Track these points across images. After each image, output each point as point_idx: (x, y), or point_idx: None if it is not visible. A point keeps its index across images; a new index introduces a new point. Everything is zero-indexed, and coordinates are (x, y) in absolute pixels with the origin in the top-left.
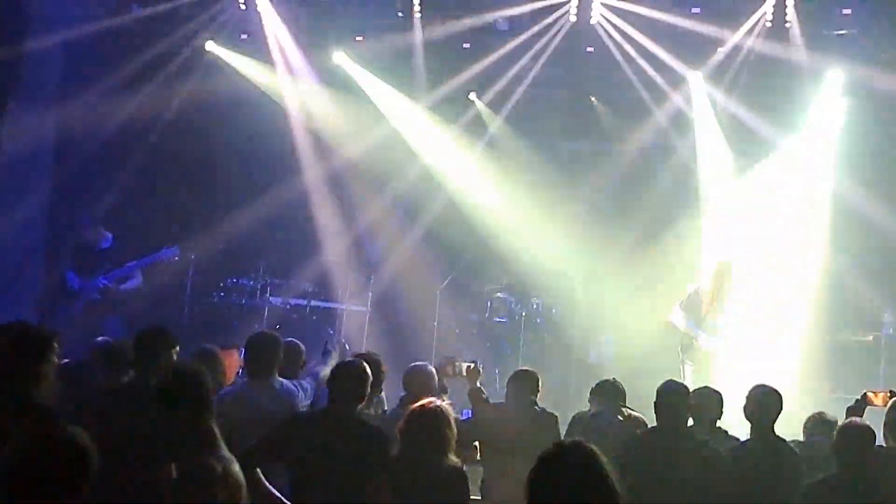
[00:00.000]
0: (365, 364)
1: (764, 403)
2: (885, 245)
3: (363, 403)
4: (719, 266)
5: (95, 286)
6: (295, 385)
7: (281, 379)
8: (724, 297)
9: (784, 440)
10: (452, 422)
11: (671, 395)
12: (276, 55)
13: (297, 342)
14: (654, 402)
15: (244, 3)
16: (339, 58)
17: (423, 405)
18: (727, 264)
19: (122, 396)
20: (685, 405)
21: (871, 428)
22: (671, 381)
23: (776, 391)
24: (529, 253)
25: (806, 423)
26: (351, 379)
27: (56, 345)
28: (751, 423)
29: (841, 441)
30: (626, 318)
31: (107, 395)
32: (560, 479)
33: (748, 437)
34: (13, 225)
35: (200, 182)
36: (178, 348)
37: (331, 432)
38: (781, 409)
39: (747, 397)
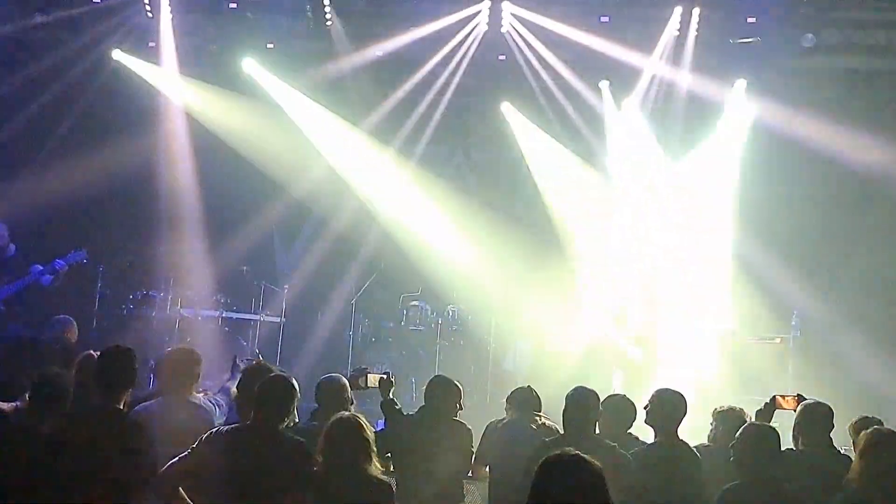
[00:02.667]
0: (293, 380)
1: (666, 407)
2: (791, 248)
3: (286, 420)
4: (645, 277)
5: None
6: (211, 401)
7: (198, 395)
8: (652, 308)
9: (686, 443)
10: (371, 431)
11: (579, 402)
12: (180, 62)
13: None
14: (563, 410)
15: (150, 12)
16: (249, 65)
17: (341, 417)
18: (653, 275)
19: None
20: (594, 412)
21: (774, 429)
22: (579, 387)
23: (679, 394)
24: (444, 260)
25: (714, 413)
26: (278, 395)
27: None
28: (654, 426)
29: (741, 444)
30: (542, 325)
31: None
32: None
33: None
34: None
35: (105, 190)
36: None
37: (254, 448)
38: (685, 411)
39: (650, 401)
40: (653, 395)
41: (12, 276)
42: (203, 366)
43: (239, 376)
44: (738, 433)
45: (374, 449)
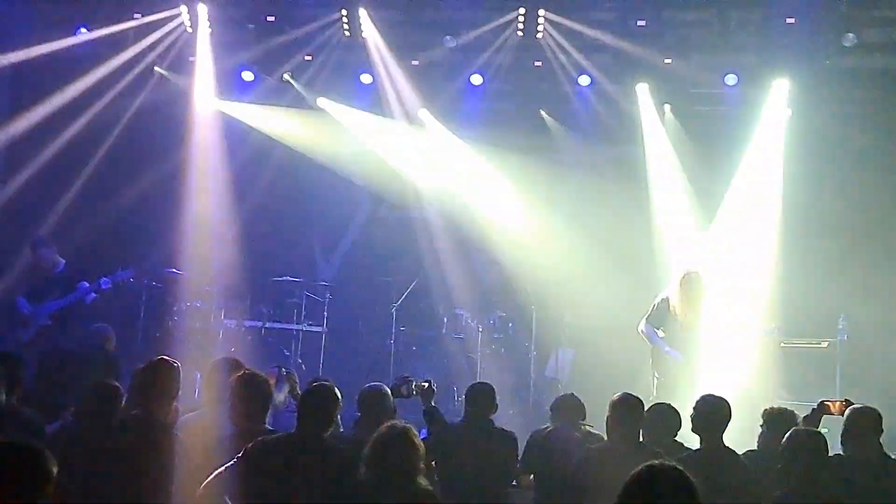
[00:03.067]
0: (335, 388)
1: (709, 413)
2: (837, 250)
3: (331, 427)
4: (686, 276)
5: (46, 311)
6: None
7: None
8: (694, 308)
9: (732, 450)
10: (420, 443)
11: (624, 408)
12: (219, 75)
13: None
14: (606, 417)
15: (191, 27)
16: (288, 77)
17: (392, 425)
18: (693, 274)
19: None
20: (639, 419)
21: (822, 435)
22: (625, 394)
23: (722, 399)
24: (485, 268)
25: (764, 414)
26: (321, 403)
27: None
28: (699, 433)
29: (789, 451)
30: (583, 331)
31: None
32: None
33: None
34: None
35: (151, 204)
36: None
37: (301, 457)
38: (729, 417)
39: (694, 409)
40: (696, 402)
41: (60, 291)
42: None
43: (285, 386)
44: (784, 439)
45: (421, 461)
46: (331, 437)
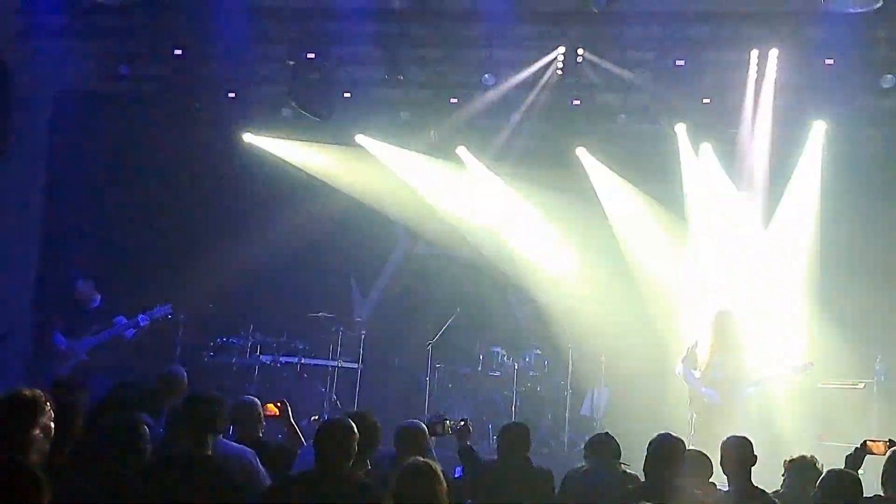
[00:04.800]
0: (349, 420)
1: (734, 454)
2: (874, 291)
3: (350, 461)
4: (718, 317)
5: (83, 347)
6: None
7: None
8: (728, 347)
9: (761, 490)
10: (443, 479)
11: (661, 450)
12: (263, 113)
13: (253, 399)
14: (645, 457)
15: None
16: (330, 115)
17: (415, 463)
18: (727, 314)
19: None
20: (677, 460)
21: (856, 476)
22: (663, 434)
23: (744, 439)
24: (521, 306)
25: (785, 464)
26: (335, 436)
27: (46, 407)
28: (727, 474)
29: (823, 491)
30: (619, 371)
31: None
32: None
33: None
34: (2, 288)
35: (189, 239)
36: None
37: (321, 492)
38: (753, 455)
39: (721, 449)
40: (721, 444)
41: (97, 327)
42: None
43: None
44: (820, 479)
45: (444, 497)
46: (365, 473)
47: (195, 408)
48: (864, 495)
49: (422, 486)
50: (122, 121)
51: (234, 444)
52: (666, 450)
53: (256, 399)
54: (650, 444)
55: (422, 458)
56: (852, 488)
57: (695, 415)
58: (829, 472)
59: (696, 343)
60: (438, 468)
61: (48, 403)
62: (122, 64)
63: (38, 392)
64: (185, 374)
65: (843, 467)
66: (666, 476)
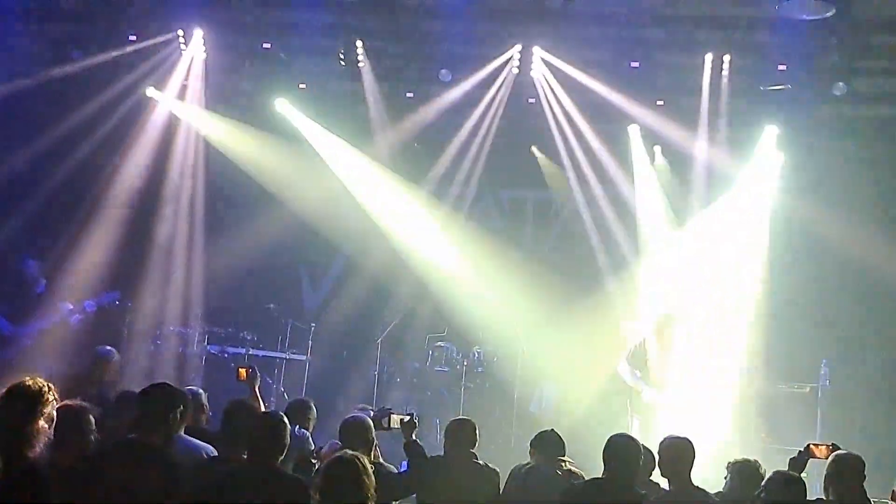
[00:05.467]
0: (282, 415)
1: (673, 454)
2: (823, 297)
3: (283, 455)
4: (661, 319)
5: (28, 332)
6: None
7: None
8: (668, 350)
9: (702, 490)
10: (370, 470)
11: (623, 448)
12: (211, 100)
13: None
14: (605, 452)
15: (184, 48)
16: (282, 105)
17: (340, 457)
18: (669, 317)
19: None
20: (636, 460)
21: (800, 478)
22: (623, 434)
23: (685, 439)
24: (470, 301)
25: (728, 466)
26: (268, 431)
27: (50, 396)
28: (666, 475)
29: (769, 493)
30: (567, 367)
31: None
32: None
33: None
34: None
35: (139, 228)
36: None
37: (251, 485)
38: (693, 455)
39: (659, 450)
40: (660, 445)
41: (42, 311)
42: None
43: None
44: (765, 481)
45: (372, 487)
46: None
47: (154, 397)
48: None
49: (347, 480)
50: (71, 104)
51: (195, 440)
52: (623, 448)
53: (200, 390)
54: (610, 440)
55: (350, 452)
56: (796, 490)
57: (636, 419)
58: (774, 472)
59: (642, 342)
60: (367, 462)
61: (52, 393)
62: (75, 48)
63: (42, 382)
64: (116, 355)
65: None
66: (621, 474)
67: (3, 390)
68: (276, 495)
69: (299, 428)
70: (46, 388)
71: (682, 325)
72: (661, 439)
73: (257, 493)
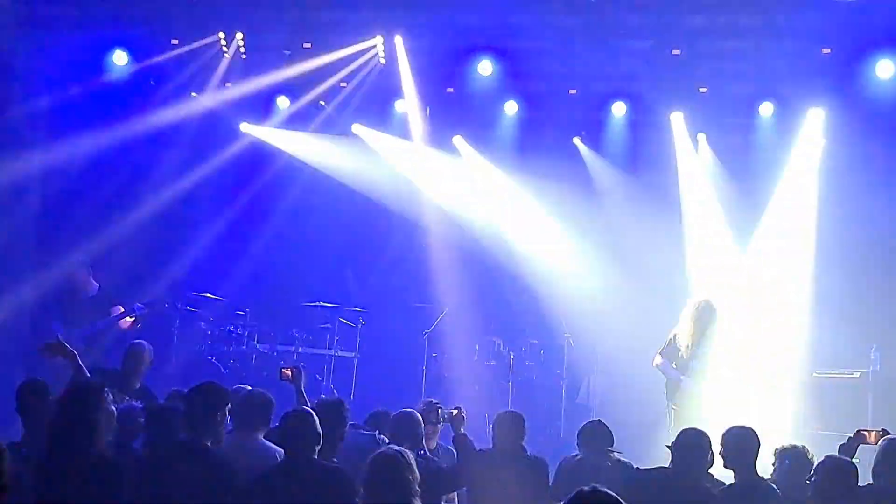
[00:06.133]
0: (308, 409)
1: (739, 445)
2: (870, 281)
3: (319, 446)
4: (700, 305)
5: (81, 336)
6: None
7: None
8: (706, 338)
9: (766, 480)
10: (414, 466)
11: (695, 441)
12: (259, 102)
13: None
14: (674, 444)
15: (227, 51)
16: (326, 104)
17: (384, 453)
18: (708, 303)
19: None
20: (706, 455)
21: (852, 462)
22: (694, 428)
23: (749, 429)
24: (517, 295)
25: (776, 452)
26: (300, 425)
27: (107, 393)
28: (731, 467)
29: (821, 477)
30: (615, 359)
31: None
32: None
33: (732, 480)
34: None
35: (186, 228)
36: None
37: (292, 482)
38: (759, 445)
39: (721, 443)
40: (723, 436)
41: (94, 316)
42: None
43: None
44: (816, 466)
45: (416, 483)
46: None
47: (201, 397)
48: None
49: (391, 475)
50: (119, 110)
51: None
52: (692, 440)
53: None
54: (680, 434)
55: (395, 447)
56: (851, 475)
57: (674, 408)
58: (827, 457)
59: (675, 336)
60: (411, 457)
61: (106, 389)
62: (120, 53)
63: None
64: (150, 349)
65: None
66: (688, 466)
67: (66, 388)
68: (318, 487)
69: (378, 433)
70: (103, 385)
71: (723, 312)
72: (725, 430)
73: (299, 488)
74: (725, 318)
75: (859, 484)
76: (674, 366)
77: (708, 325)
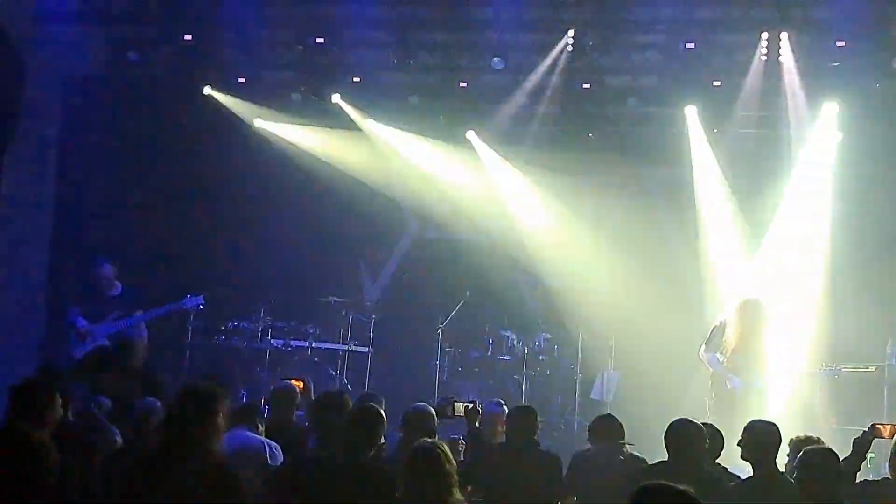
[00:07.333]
0: (379, 409)
1: (760, 439)
2: (886, 275)
3: (374, 449)
4: (748, 304)
5: (103, 332)
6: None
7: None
8: (753, 335)
9: (785, 476)
10: (452, 459)
11: (686, 431)
12: (272, 98)
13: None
14: (665, 437)
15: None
16: (338, 99)
17: (423, 446)
18: (756, 303)
19: None
20: (701, 441)
21: (831, 451)
22: (683, 419)
23: (772, 424)
24: (531, 290)
25: (791, 443)
26: (367, 424)
27: (223, 399)
28: (750, 460)
29: (801, 467)
30: (629, 354)
31: None
32: None
33: (751, 473)
34: (14, 270)
35: (200, 224)
36: None
37: (337, 477)
38: (780, 441)
39: (744, 434)
40: (745, 430)
41: (119, 314)
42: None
43: None
44: (799, 456)
45: (457, 479)
46: (373, 458)
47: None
48: (872, 478)
49: (432, 467)
50: (132, 106)
51: (251, 435)
52: (686, 431)
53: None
54: (671, 425)
55: (429, 440)
56: (830, 463)
57: (713, 399)
58: (805, 449)
59: (723, 326)
60: (447, 449)
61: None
62: (132, 49)
63: (214, 384)
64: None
65: (851, 450)
66: (686, 457)
67: (179, 392)
68: (362, 486)
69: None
70: (221, 389)
71: (765, 311)
72: (748, 423)
73: (343, 484)
74: (768, 317)
75: (875, 478)
76: (720, 357)
77: (757, 323)
